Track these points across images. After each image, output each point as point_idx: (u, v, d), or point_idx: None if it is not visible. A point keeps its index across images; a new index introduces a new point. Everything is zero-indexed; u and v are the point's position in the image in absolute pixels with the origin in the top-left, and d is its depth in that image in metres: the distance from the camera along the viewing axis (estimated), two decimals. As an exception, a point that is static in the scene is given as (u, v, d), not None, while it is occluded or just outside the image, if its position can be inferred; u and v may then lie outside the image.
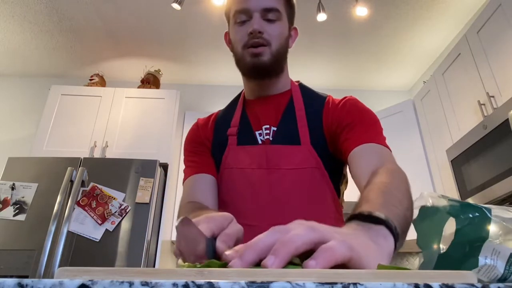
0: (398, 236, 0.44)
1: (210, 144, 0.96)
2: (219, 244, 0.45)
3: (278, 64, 0.90)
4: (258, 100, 0.96)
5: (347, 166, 0.86)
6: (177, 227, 0.48)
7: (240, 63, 0.91)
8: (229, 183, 0.90)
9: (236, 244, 0.47)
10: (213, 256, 0.44)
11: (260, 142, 0.90)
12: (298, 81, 1.01)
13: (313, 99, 0.94)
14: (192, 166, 0.94)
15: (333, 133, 0.87)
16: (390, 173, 0.66)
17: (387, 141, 0.86)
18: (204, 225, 0.46)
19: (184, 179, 0.95)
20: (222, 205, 0.89)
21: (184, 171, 0.97)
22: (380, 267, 0.33)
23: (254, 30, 0.84)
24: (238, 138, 0.92)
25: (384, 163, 0.72)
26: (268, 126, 0.91)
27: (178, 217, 0.85)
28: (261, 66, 0.87)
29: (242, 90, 1.03)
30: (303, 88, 0.98)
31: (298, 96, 0.94)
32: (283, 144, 0.87)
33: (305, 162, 0.85)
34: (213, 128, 0.98)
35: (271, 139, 0.89)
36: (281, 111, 0.92)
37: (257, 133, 0.91)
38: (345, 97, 0.93)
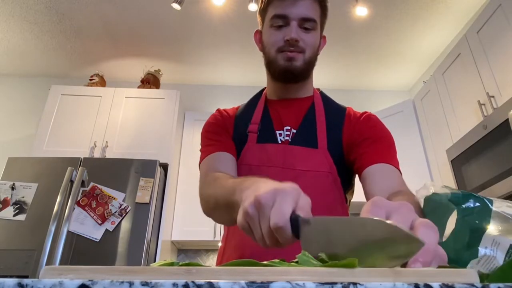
0: None
1: (232, 133, 0.96)
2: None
3: (307, 71, 0.93)
4: (281, 101, 0.98)
5: (356, 177, 0.89)
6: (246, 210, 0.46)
7: (271, 65, 0.92)
8: None
9: None
10: (297, 235, 0.42)
11: (279, 141, 0.92)
12: (318, 89, 1.04)
13: (333, 108, 0.97)
14: (215, 145, 0.92)
15: (352, 143, 0.89)
16: (407, 196, 0.69)
17: None
18: (283, 203, 0.43)
19: (203, 157, 0.92)
20: None
21: (203, 150, 0.94)
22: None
23: (292, 39, 0.87)
24: (258, 135, 0.93)
25: (400, 186, 0.77)
26: (289, 128, 0.93)
27: (204, 184, 0.83)
28: (293, 71, 0.90)
29: (263, 89, 1.05)
30: (324, 96, 1.01)
31: (319, 103, 0.97)
32: (300, 146, 0.89)
33: (320, 166, 0.87)
34: (233, 121, 0.98)
35: (290, 140, 0.91)
36: (302, 115, 0.94)
37: (277, 132, 0.93)
38: (365, 112, 0.96)
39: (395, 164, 0.84)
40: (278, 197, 0.44)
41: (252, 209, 0.46)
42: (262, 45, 0.96)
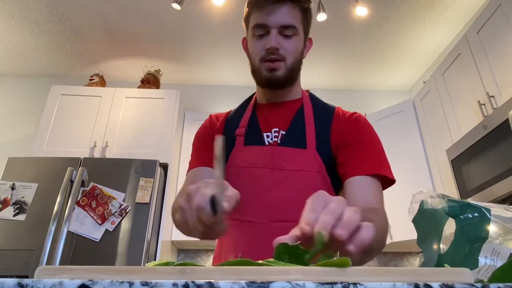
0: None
1: None
2: (225, 203, 0.50)
3: (291, 77, 0.95)
4: (270, 104, 1.01)
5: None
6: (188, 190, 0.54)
7: (256, 74, 0.95)
8: (234, 181, 0.91)
9: (235, 206, 0.53)
10: (216, 213, 0.49)
11: (267, 143, 0.94)
12: (308, 90, 1.05)
13: (322, 109, 0.99)
14: (199, 159, 0.98)
15: (340, 144, 0.91)
16: (375, 214, 0.74)
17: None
18: (205, 188, 0.51)
19: (188, 170, 0.99)
20: None
21: (190, 162, 1.00)
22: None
23: (271, 47, 0.89)
24: (245, 138, 0.95)
25: (375, 204, 0.80)
26: (277, 130, 0.95)
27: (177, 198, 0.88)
28: (276, 81, 0.92)
29: (254, 93, 1.07)
30: (312, 97, 1.03)
31: (308, 104, 0.99)
32: (289, 147, 0.91)
33: (309, 166, 0.88)
34: (223, 126, 1.02)
35: (279, 142, 0.93)
36: (291, 117, 0.96)
37: (265, 134, 0.95)
38: (355, 112, 0.97)
39: (384, 169, 0.85)
40: (201, 186, 0.53)
41: (184, 202, 0.54)
42: (248, 53, 0.99)
